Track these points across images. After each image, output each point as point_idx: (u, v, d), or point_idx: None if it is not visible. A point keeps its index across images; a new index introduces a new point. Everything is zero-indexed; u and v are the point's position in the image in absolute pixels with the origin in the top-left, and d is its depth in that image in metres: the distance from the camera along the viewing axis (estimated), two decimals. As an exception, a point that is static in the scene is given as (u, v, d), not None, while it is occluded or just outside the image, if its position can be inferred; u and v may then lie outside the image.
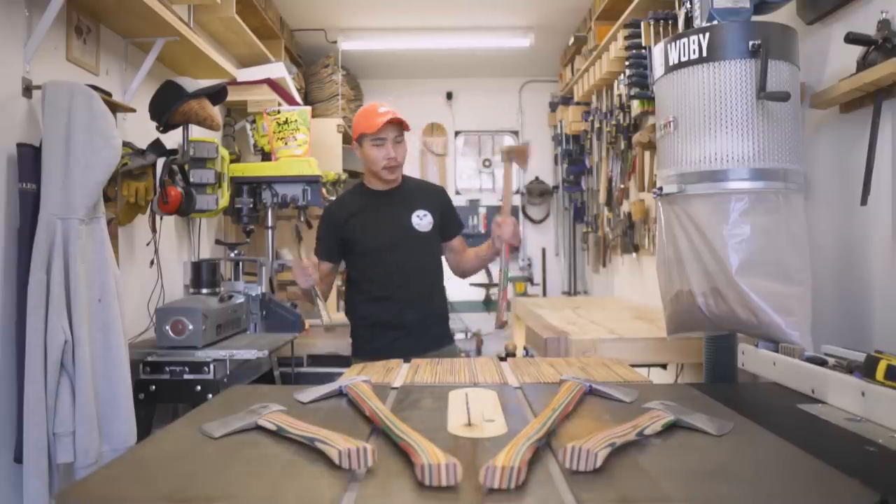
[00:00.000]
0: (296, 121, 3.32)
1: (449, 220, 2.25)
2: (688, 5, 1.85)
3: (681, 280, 1.72)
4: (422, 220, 2.16)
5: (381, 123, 2.06)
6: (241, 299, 2.69)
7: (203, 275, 2.65)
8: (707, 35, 1.63)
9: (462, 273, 2.32)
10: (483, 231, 5.52)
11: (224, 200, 2.92)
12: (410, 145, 6.30)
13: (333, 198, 3.65)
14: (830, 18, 1.89)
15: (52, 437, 1.74)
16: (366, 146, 2.13)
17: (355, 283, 2.22)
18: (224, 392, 1.45)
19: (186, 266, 2.97)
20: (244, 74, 3.41)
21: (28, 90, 1.92)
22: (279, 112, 3.34)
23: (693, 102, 1.66)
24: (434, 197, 2.25)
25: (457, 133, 5.84)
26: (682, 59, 1.67)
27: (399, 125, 2.12)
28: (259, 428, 1.03)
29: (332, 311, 3.52)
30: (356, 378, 1.30)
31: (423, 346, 2.07)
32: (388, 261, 2.13)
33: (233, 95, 3.05)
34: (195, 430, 1.04)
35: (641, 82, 2.97)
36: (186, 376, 2.18)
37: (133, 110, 2.27)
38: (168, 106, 2.35)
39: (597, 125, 4.18)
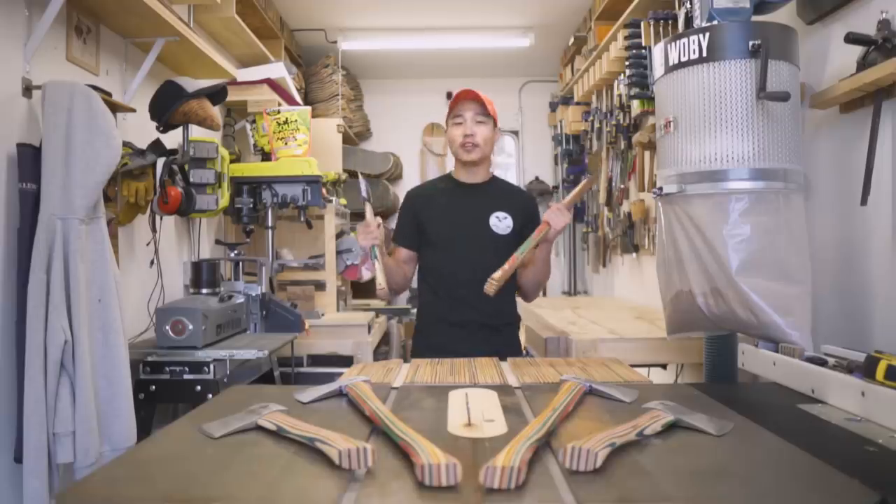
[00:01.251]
0: (296, 121, 3.32)
1: (530, 227, 2.01)
2: (688, 5, 1.86)
3: (681, 280, 1.72)
4: (500, 222, 2.05)
5: (457, 99, 2.02)
6: (241, 299, 2.69)
7: (203, 275, 2.65)
8: (707, 35, 1.63)
9: (525, 292, 2.13)
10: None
11: (224, 200, 2.92)
12: (411, 145, 6.25)
13: (334, 198, 3.65)
14: (830, 18, 1.88)
15: (52, 437, 1.74)
16: (448, 126, 2.07)
17: (424, 274, 2.13)
18: (224, 392, 1.45)
19: (186, 266, 2.97)
20: (244, 74, 3.41)
21: (28, 90, 1.92)
22: (279, 112, 3.34)
23: (693, 102, 1.66)
24: (519, 201, 2.12)
25: (457, 133, 5.83)
26: (682, 59, 1.67)
27: (481, 105, 2.02)
28: (259, 428, 1.03)
29: (331, 311, 3.53)
30: (356, 378, 1.30)
31: (487, 354, 1.81)
32: (458, 256, 2.03)
33: (233, 95, 3.05)
34: (195, 430, 1.04)
35: (641, 82, 2.97)
36: (186, 376, 2.18)
37: (133, 110, 2.27)
38: (168, 106, 2.35)
39: (597, 125, 4.18)
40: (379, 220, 1.93)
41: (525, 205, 2.14)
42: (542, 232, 1.89)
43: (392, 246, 2.17)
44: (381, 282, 1.89)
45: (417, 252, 2.12)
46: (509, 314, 2.12)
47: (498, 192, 2.13)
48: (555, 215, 1.88)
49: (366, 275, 3.78)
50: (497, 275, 1.78)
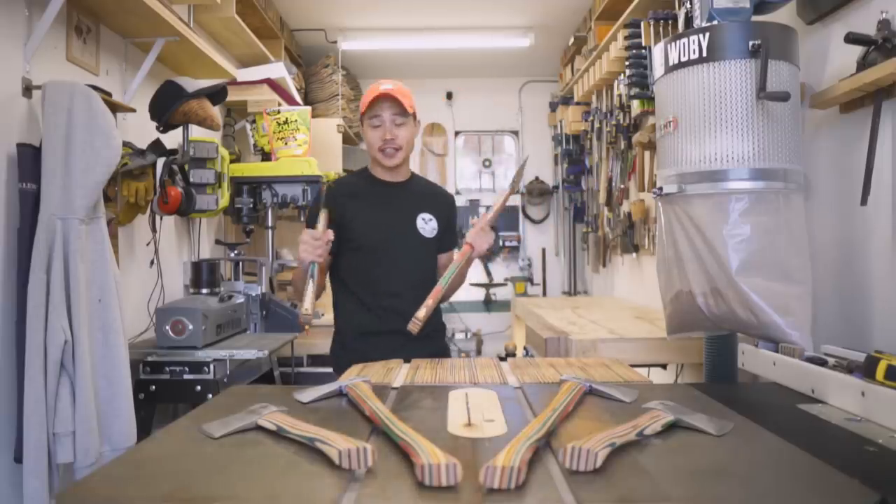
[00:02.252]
0: (296, 121, 3.33)
1: (450, 231, 2.03)
2: (688, 5, 1.86)
3: (681, 280, 1.72)
4: (427, 225, 1.94)
5: (369, 99, 1.83)
6: (241, 299, 2.69)
7: (203, 275, 2.65)
8: (707, 35, 1.63)
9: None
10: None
11: (224, 200, 2.92)
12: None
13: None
14: (830, 18, 1.88)
15: (52, 437, 1.74)
16: (364, 127, 1.90)
17: (343, 284, 1.94)
18: (224, 392, 1.45)
19: (186, 266, 2.97)
20: (244, 74, 3.41)
21: (28, 90, 1.92)
22: (279, 112, 3.34)
23: (693, 102, 1.66)
24: (443, 203, 2.03)
25: (457, 133, 5.84)
26: (682, 59, 1.67)
27: (397, 105, 1.84)
28: (259, 428, 1.03)
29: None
30: (356, 378, 1.30)
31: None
32: (386, 262, 1.87)
33: (233, 95, 3.05)
34: (195, 430, 1.04)
35: (641, 82, 2.97)
36: (186, 376, 2.19)
37: (133, 110, 2.27)
38: (168, 106, 2.35)
39: (597, 125, 4.18)
40: (331, 233, 1.71)
41: (447, 206, 2.04)
42: (465, 255, 1.76)
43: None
44: (308, 307, 1.62)
45: (334, 255, 1.89)
46: (437, 319, 1.98)
47: (421, 192, 2.00)
48: (479, 237, 1.76)
49: None
50: (421, 314, 1.63)
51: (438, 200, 2.02)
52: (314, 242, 1.68)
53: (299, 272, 1.80)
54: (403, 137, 1.88)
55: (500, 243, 5.70)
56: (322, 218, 1.73)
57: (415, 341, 1.77)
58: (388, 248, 1.87)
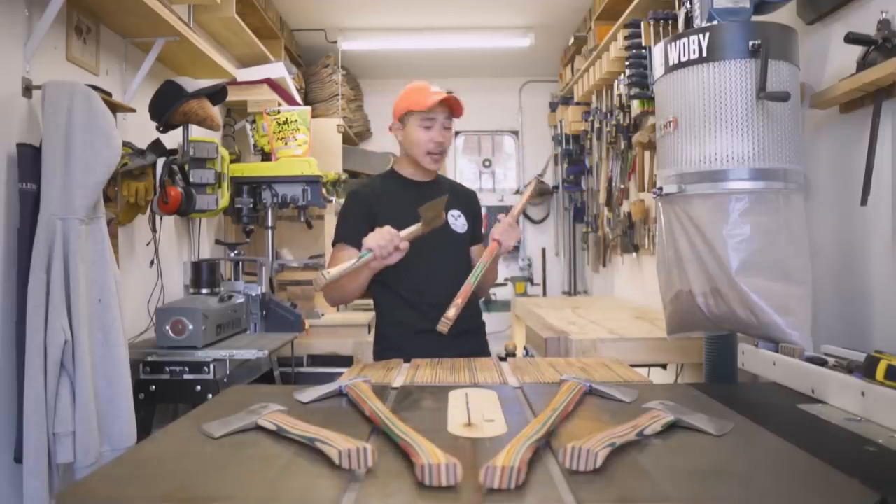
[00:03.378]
0: (296, 121, 3.32)
1: (477, 226, 2.08)
2: (688, 5, 1.86)
3: (681, 280, 1.72)
4: (457, 221, 1.98)
5: (434, 101, 1.85)
6: (241, 299, 2.69)
7: (203, 275, 2.65)
8: (707, 35, 1.63)
9: (477, 295, 1.95)
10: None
11: (224, 200, 2.92)
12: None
13: (334, 198, 3.65)
14: (830, 18, 1.89)
15: (52, 437, 1.74)
16: (411, 126, 1.89)
17: (384, 286, 1.94)
18: (224, 392, 1.45)
19: (186, 266, 2.97)
20: (244, 74, 3.41)
21: (28, 90, 1.92)
22: (279, 112, 3.34)
23: (693, 102, 1.66)
24: (468, 199, 2.08)
25: (457, 133, 5.84)
26: (682, 59, 1.67)
27: (451, 110, 1.91)
28: (259, 428, 1.03)
29: (331, 311, 3.53)
30: (356, 378, 1.30)
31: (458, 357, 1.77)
32: (425, 261, 1.86)
33: (233, 95, 3.05)
34: (195, 430, 1.04)
35: (641, 82, 2.97)
36: (186, 376, 2.18)
37: (133, 110, 2.27)
38: (168, 106, 2.35)
39: (597, 125, 4.18)
40: (407, 245, 1.67)
41: (472, 202, 2.10)
42: (492, 253, 1.77)
43: (340, 245, 1.91)
44: (331, 275, 1.59)
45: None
46: (479, 314, 2.06)
47: (448, 190, 1.98)
48: (505, 233, 1.78)
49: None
50: (451, 313, 1.64)
51: (464, 197, 2.08)
52: (388, 237, 1.64)
53: (351, 277, 1.72)
54: (448, 142, 1.94)
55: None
56: (412, 228, 1.69)
57: (457, 338, 1.81)
58: (428, 247, 1.84)
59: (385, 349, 1.96)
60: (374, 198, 1.93)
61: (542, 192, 5.70)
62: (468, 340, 1.95)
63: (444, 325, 1.64)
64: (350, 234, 1.87)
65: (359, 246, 1.72)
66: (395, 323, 1.95)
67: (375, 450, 0.86)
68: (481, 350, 2.01)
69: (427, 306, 1.86)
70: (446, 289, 1.76)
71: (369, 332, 3.11)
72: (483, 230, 2.16)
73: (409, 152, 1.96)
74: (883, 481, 0.88)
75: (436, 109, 1.88)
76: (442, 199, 1.73)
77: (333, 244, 1.95)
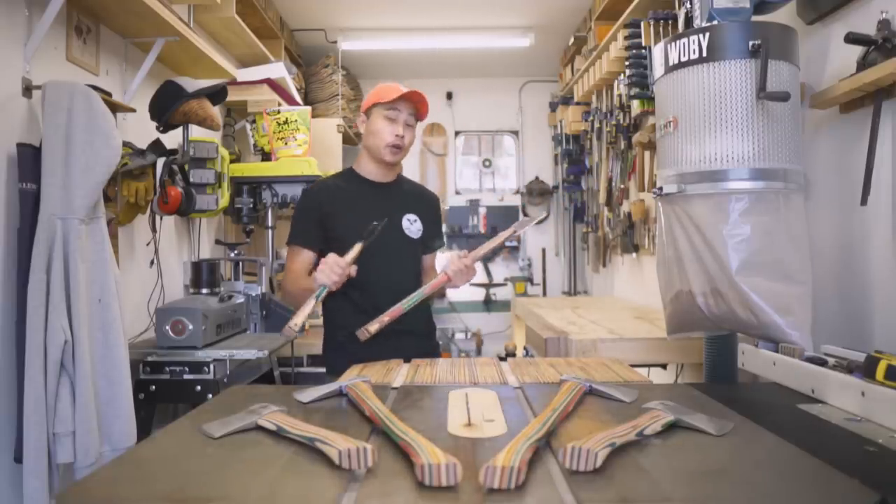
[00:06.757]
0: (296, 121, 3.33)
1: (434, 233, 2.03)
2: (688, 5, 1.86)
3: (681, 280, 1.72)
4: (412, 225, 1.94)
5: (398, 94, 1.86)
6: (241, 299, 2.69)
7: (203, 275, 2.65)
8: (707, 35, 1.63)
9: None
10: (483, 231, 5.52)
11: (224, 200, 2.92)
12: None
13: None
14: (830, 18, 1.89)
15: (52, 437, 1.74)
16: (375, 116, 1.89)
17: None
18: (224, 392, 1.45)
19: (186, 266, 2.97)
20: (244, 74, 3.41)
21: (28, 90, 1.92)
22: (279, 112, 3.35)
23: (693, 102, 1.66)
24: (427, 204, 2.03)
25: (457, 133, 5.83)
26: (682, 59, 1.67)
27: (415, 108, 1.91)
28: (259, 428, 1.03)
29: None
30: (356, 378, 1.30)
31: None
32: (372, 263, 1.80)
33: (233, 95, 3.05)
34: (195, 430, 1.04)
35: (641, 82, 2.97)
36: (186, 376, 2.19)
37: (133, 110, 2.27)
38: (168, 106, 2.35)
39: (597, 125, 4.18)
40: (355, 268, 1.70)
41: (432, 208, 2.05)
42: (438, 286, 1.72)
43: (292, 247, 1.91)
44: (298, 323, 1.66)
45: (319, 256, 1.83)
46: (427, 319, 2.02)
47: (408, 193, 2.01)
48: (459, 273, 1.73)
49: None
50: (373, 328, 1.63)
51: (423, 201, 2.03)
52: (338, 270, 1.67)
53: (300, 282, 1.82)
54: (410, 139, 1.92)
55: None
56: (355, 250, 1.71)
57: (406, 339, 1.85)
58: (374, 249, 1.80)
59: (334, 349, 1.94)
60: (326, 197, 1.91)
61: (542, 192, 5.70)
62: (419, 341, 1.95)
63: (362, 334, 1.64)
64: (301, 235, 1.90)
65: (313, 247, 1.87)
66: (342, 325, 1.89)
67: (375, 450, 0.86)
68: (432, 351, 1.99)
69: (373, 309, 1.76)
70: (392, 293, 1.74)
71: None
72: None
73: (369, 146, 1.93)
74: (883, 481, 0.88)
75: (400, 104, 1.88)
76: (381, 225, 1.73)
77: (287, 244, 1.95)
